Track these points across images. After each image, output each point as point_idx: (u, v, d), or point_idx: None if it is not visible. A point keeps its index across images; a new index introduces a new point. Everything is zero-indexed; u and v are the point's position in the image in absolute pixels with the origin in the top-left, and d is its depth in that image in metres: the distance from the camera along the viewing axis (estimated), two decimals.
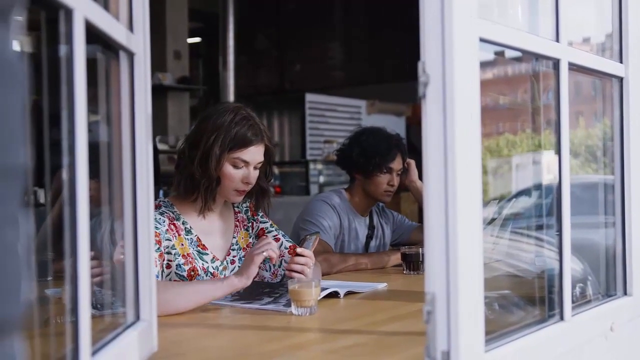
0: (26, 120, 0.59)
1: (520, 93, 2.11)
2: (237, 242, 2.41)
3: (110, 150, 1.40)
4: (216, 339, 1.73)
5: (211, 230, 2.35)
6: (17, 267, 0.56)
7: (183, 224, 2.28)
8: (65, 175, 1.04)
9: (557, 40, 1.56)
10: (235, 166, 2.24)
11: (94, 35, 1.13)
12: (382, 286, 2.40)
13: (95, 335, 1.12)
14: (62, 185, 1.08)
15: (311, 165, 7.78)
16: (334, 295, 2.15)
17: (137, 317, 1.41)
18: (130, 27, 1.38)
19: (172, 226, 2.23)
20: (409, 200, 6.90)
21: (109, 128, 1.42)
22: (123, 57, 1.37)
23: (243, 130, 2.22)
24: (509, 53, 1.59)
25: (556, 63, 1.56)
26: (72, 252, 1.03)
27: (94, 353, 1.11)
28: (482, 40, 1.29)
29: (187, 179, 2.25)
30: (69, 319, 1.07)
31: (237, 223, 2.44)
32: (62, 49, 1.04)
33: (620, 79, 1.86)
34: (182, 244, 2.24)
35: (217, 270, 2.30)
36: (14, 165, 0.57)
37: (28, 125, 0.59)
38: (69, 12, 1.01)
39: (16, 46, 0.60)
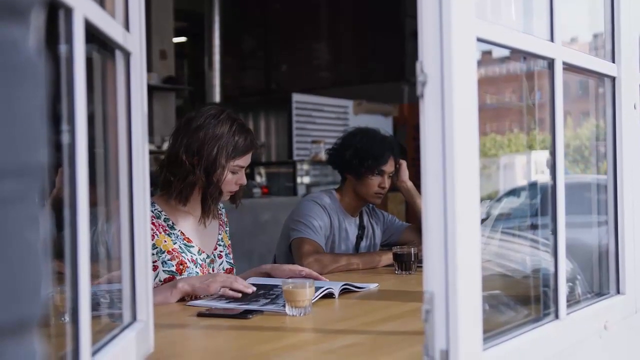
0: (46, 119, 0.59)
1: (508, 93, 2.12)
2: (222, 238, 2.51)
3: (106, 150, 1.39)
4: (212, 340, 1.72)
5: (196, 227, 2.42)
6: (38, 266, 0.56)
7: (165, 220, 2.34)
8: (65, 174, 1.03)
9: (552, 40, 1.57)
10: (233, 172, 2.36)
11: (90, 34, 1.13)
12: (374, 286, 2.40)
13: (93, 336, 1.11)
14: (58, 184, 1.08)
15: (298, 166, 7.76)
16: (328, 295, 2.15)
17: (134, 318, 1.40)
18: (127, 26, 1.38)
19: (151, 225, 2.27)
20: (395, 201, 6.93)
21: (104, 128, 1.41)
22: (119, 56, 1.36)
23: (242, 139, 2.35)
24: (497, 53, 1.59)
25: (551, 63, 1.57)
26: (72, 254, 1.02)
27: (94, 354, 1.11)
28: (479, 40, 1.29)
29: (188, 187, 2.32)
30: (66, 319, 1.06)
31: (221, 222, 2.54)
32: (61, 48, 1.03)
33: (613, 79, 1.87)
34: (166, 241, 2.30)
35: (205, 262, 2.38)
36: (34, 165, 0.56)
37: (48, 124, 0.59)
38: (68, 11, 1.01)
39: (35, 45, 0.60)
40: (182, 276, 2.26)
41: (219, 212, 2.55)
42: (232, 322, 1.85)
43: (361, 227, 3.21)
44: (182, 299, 2.13)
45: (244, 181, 2.41)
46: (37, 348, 0.57)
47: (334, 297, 2.16)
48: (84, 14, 1.05)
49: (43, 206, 0.60)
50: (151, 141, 7.58)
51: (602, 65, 1.83)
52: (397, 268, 2.73)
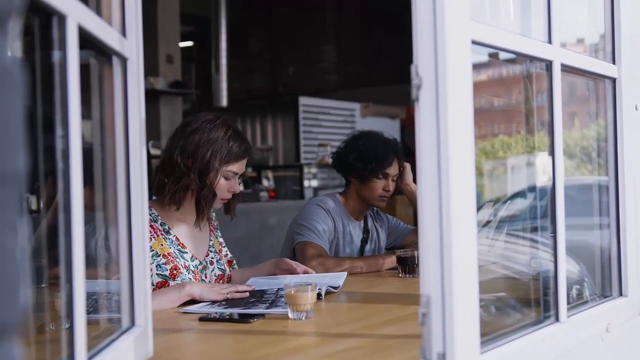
0: (25, 126, 0.60)
1: (515, 94, 2.11)
2: (212, 244, 2.53)
3: (103, 156, 1.40)
4: (212, 344, 1.72)
5: (189, 233, 2.44)
6: (16, 272, 0.57)
7: (161, 225, 2.37)
8: (59, 181, 1.04)
9: (550, 41, 1.57)
10: (226, 178, 2.38)
11: (86, 40, 1.13)
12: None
13: (90, 341, 1.12)
14: (55, 191, 1.08)
15: (305, 169, 7.76)
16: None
17: (133, 323, 1.40)
18: (123, 32, 1.38)
19: (149, 227, 2.29)
20: (404, 204, 6.91)
21: (102, 134, 1.42)
22: (116, 62, 1.37)
23: (237, 145, 2.37)
24: (503, 55, 1.59)
25: (549, 65, 1.57)
26: (67, 259, 1.03)
27: (90, 358, 1.11)
28: (474, 42, 1.29)
29: (182, 190, 2.35)
30: (64, 325, 1.07)
31: (212, 228, 2.56)
32: (56, 55, 1.04)
33: (613, 80, 1.87)
34: (162, 244, 2.32)
35: (197, 269, 2.40)
36: (13, 171, 0.57)
37: (26, 131, 0.60)
38: (62, 18, 1.01)
39: (14, 52, 0.60)
40: (176, 281, 2.27)
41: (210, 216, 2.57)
42: (234, 326, 1.85)
43: (366, 231, 3.21)
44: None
45: (237, 189, 2.42)
46: (16, 353, 0.58)
47: (321, 299, 2.16)
48: (78, 21, 1.06)
49: (22, 212, 0.60)
50: (158, 146, 7.58)
51: (602, 67, 1.83)
52: (400, 271, 2.72)
